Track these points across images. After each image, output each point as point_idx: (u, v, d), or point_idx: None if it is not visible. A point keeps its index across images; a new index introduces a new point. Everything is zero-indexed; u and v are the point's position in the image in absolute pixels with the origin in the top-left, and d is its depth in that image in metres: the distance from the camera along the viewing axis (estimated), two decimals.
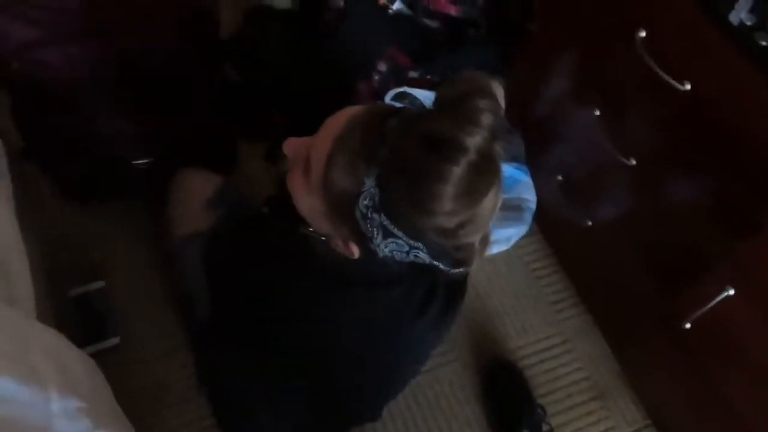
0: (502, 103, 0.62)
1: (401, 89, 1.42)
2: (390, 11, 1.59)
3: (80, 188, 1.45)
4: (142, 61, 1.18)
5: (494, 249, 1.58)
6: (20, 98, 1.19)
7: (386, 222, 0.64)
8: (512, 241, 1.59)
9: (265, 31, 1.68)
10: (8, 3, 1.08)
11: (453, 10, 1.57)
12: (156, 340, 1.35)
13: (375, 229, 0.66)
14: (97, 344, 1.30)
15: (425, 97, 1.42)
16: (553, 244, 1.66)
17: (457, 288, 0.93)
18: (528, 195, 1.56)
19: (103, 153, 1.32)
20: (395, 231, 0.65)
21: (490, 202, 0.63)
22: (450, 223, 0.62)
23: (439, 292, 0.89)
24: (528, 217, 1.56)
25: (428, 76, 1.52)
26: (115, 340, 1.32)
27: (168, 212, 1.25)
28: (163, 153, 1.35)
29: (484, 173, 0.60)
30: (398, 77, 1.52)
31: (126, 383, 1.24)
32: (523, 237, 1.60)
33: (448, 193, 0.59)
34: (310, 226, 0.77)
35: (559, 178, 1.49)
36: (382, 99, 1.44)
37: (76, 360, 0.76)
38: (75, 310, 1.32)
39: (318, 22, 1.64)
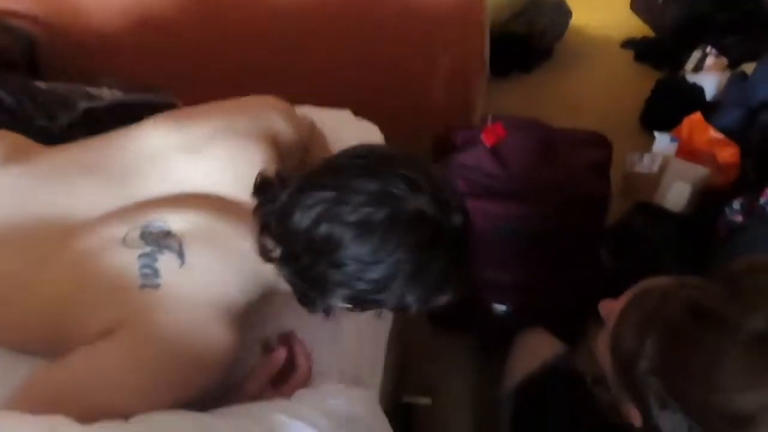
0: None
1: None
2: None
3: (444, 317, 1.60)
4: (540, 225, 1.33)
5: None
6: None
7: (661, 389, 0.60)
8: None
9: (651, 227, 1.69)
10: (451, 164, 1.36)
11: None
12: None
13: (652, 396, 0.61)
14: None
15: None
16: None
17: None
18: None
19: (474, 294, 1.46)
20: (670, 401, 0.59)
21: None
22: (744, 404, 0.54)
23: None
24: None
25: None
26: None
27: (508, 362, 1.28)
28: (523, 305, 1.43)
29: None
30: None
31: None
32: None
33: (727, 366, 0.54)
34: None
35: None
36: None
37: None
38: (399, 418, 1.40)
39: (711, 231, 1.60)
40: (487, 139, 1.41)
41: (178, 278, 0.73)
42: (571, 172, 1.40)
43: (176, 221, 0.76)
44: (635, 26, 2.60)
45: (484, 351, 1.55)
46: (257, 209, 0.76)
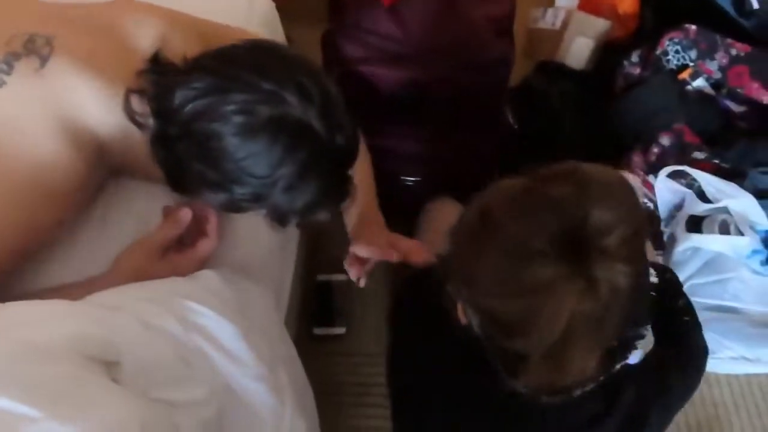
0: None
1: (681, 167, 1.33)
2: (689, 87, 1.49)
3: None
4: (443, 89, 1.27)
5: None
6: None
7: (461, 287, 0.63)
8: None
9: (551, 85, 1.69)
10: (345, 27, 1.28)
11: (767, 98, 1.42)
12: (375, 342, 1.41)
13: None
14: (326, 328, 1.41)
15: (707, 181, 1.32)
16: None
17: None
18: None
19: (379, 164, 1.42)
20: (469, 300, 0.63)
21: None
22: (504, 309, 0.59)
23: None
24: None
25: (716, 161, 1.38)
26: (341, 330, 1.42)
27: (416, 235, 1.29)
28: (431, 175, 1.40)
29: None
30: (680, 155, 1.41)
31: (334, 375, 1.35)
32: None
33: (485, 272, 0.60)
34: None
35: None
36: (656, 173, 1.36)
37: (300, 372, 0.84)
38: (317, 294, 1.45)
39: (609, 86, 1.61)
40: None
41: (30, 80, 0.68)
42: (472, 30, 1.32)
43: (64, 37, 0.71)
44: None
45: (399, 223, 1.54)
46: (143, 72, 0.72)
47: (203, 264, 0.81)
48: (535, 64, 1.76)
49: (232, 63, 0.67)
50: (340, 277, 1.45)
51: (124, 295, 0.68)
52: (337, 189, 0.75)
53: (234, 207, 0.73)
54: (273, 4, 1.26)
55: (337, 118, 0.69)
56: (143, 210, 0.85)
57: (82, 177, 0.71)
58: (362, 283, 0.97)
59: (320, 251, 1.47)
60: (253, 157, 0.65)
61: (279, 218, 0.74)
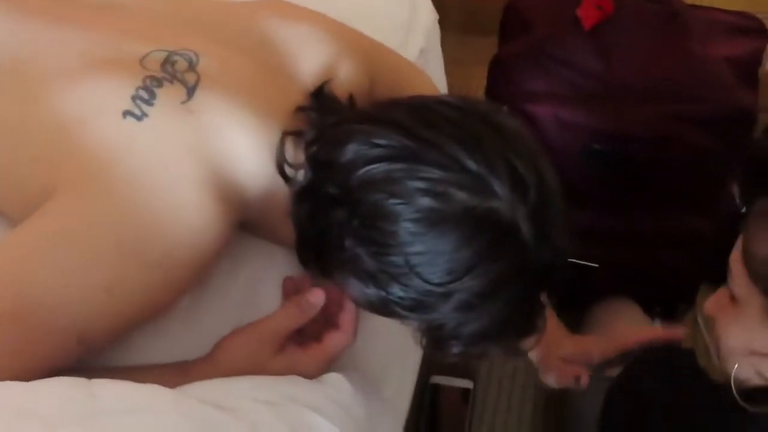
0: None
1: None
2: None
3: None
4: (654, 147, 1.05)
5: None
6: None
7: None
8: None
9: None
10: (528, 51, 1.09)
11: None
12: None
13: None
14: None
15: None
16: None
17: None
18: None
19: None
20: None
21: None
22: None
23: None
24: None
25: None
26: None
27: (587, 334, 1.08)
28: (615, 262, 1.14)
29: None
30: None
31: None
32: None
33: None
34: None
35: None
36: None
37: None
38: (427, 401, 1.23)
39: None
40: (584, 17, 1.05)
41: (177, 116, 0.62)
42: (704, 70, 1.09)
43: (208, 56, 0.66)
44: None
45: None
46: (304, 108, 0.66)
47: (330, 365, 0.71)
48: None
49: (431, 125, 0.58)
50: (462, 383, 1.23)
51: (238, 392, 0.61)
52: (525, 320, 0.63)
53: (382, 309, 0.63)
54: (437, 17, 1.09)
55: (553, 225, 0.59)
56: (256, 273, 0.75)
57: (221, 244, 0.65)
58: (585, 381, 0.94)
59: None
60: (432, 256, 0.57)
61: (436, 340, 0.64)
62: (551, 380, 0.96)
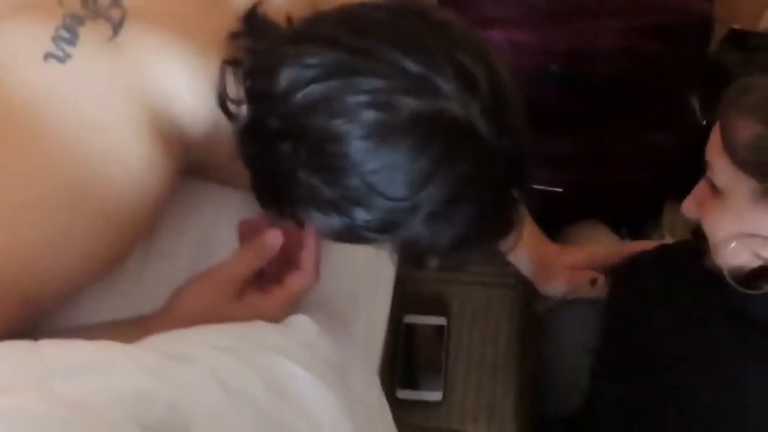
0: None
1: None
2: None
3: None
4: (614, 63, 1.04)
5: None
6: None
7: None
8: None
9: (749, 64, 1.37)
10: None
11: None
12: (477, 413, 1.20)
13: None
14: (413, 392, 1.18)
15: None
16: None
17: None
18: None
19: None
20: None
21: None
22: None
23: None
24: None
25: None
26: (435, 396, 1.17)
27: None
28: (583, 186, 1.16)
29: None
30: None
31: None
32: None
33: None
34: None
35: None
36: None
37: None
38: (402, 342, 1.23)
39: None
40: None
41: (102, 54, 0.58)
42: None
43: None
44: None
45: None
46: (236, 34, 0.62)
47: (293, 307, 0.69)
48: (726, 32, 1.44)
49: (363, 32, 0.56)
50: (435, 320, 1.22)
51: (198, 341, 0.59)
52: (500, 218, 0.62)
53: (351, 237, 0.62)
54: None
55: (510, 116, 0.56)
56: (209, 219, 0.74)
57: (166, 188, 0.62)
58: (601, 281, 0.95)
59: (409, 281, 1.27)
60: (388, 171, 0.55)
61: (413, 257, 0.65)
62: (557, 289, 0.97)
